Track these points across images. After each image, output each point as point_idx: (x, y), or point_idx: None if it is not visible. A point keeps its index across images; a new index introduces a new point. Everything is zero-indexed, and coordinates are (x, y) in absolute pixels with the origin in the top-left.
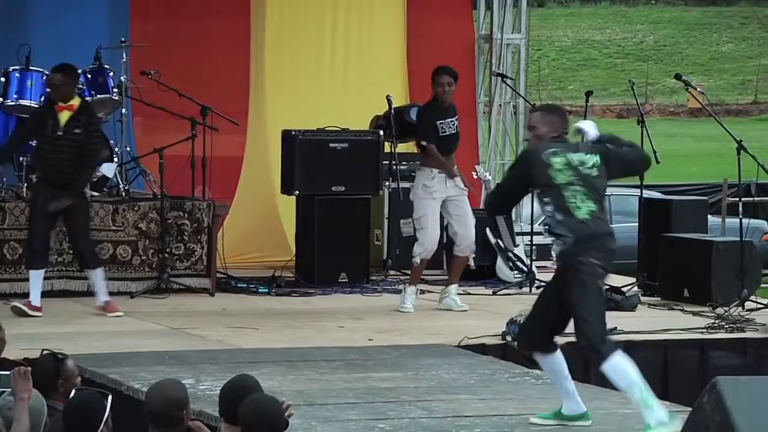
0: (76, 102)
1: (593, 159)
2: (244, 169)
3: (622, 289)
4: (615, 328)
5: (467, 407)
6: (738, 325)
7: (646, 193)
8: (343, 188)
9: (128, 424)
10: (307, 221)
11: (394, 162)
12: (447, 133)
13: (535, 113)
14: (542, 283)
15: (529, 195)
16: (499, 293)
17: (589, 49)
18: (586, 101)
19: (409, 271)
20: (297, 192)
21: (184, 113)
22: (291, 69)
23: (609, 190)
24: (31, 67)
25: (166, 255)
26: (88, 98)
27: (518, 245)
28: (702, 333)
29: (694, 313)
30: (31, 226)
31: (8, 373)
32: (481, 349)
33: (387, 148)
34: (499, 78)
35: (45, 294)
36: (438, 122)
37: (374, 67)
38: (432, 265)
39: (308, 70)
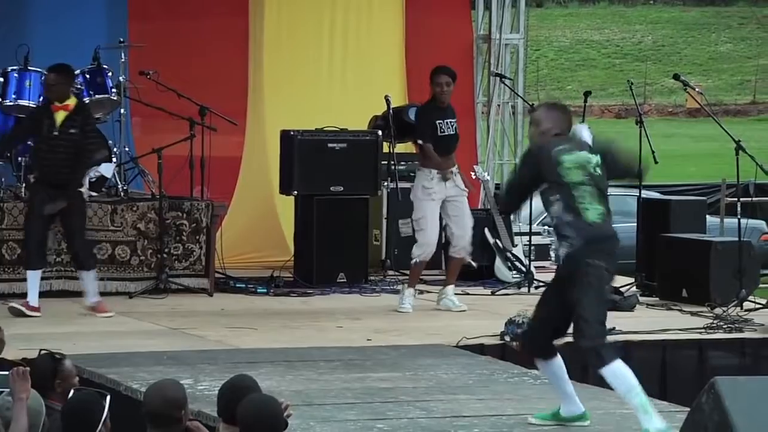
0: (72, 102)
1: (595, 159)
2: (243, 169)
3: (621, 289)
4: (613, 329)
5: (466, 407)
6: (736, 325)
7: (645, 194)
8: (342, 188)
9: (127, 425)
10: (305, 221)
11: (392, 162)
12: (446, 134)
13: (539, 108)
14: (541, 283)
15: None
16: (497, 293)
17: (588, 50)
18: (585, 101)
19: (407, 272)
20: (295, 192)
21: (182, 113)
22: (289, 69)
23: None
24: (29, 68)
25: (165, 255)
26: (86, 98)
27: (517, 245)
28: (700, 333)
29: (692, 314)
30: (27, 227)
31: (7, 373)
32: (480, 349)
33: (385, 148)
34: (498, 78)
35: (43, 294)
36: (437, 121)
37: (373, 67)
38: (430, 266)
39: (307, 70)
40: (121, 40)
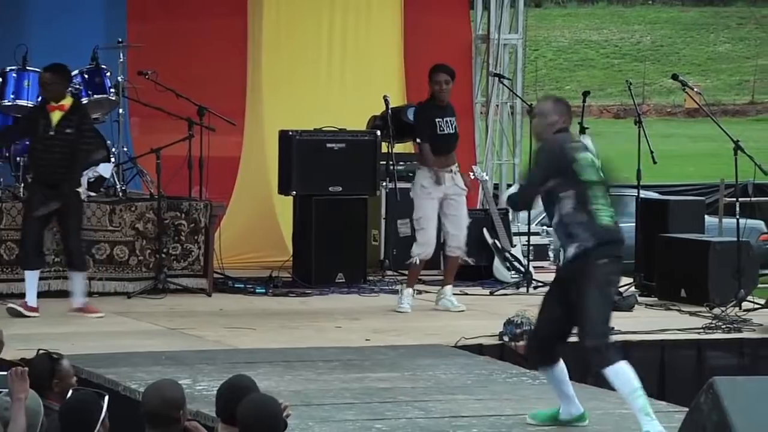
0: (67, 102)
1: (598, 162)
2: (241, 169)
3: (619, 289)
4: (612, 329)
5: (464, 407)
6: (735, 325)
7: (643, 194)
8: (340, 188)
9: (125, 425)
10: (304, 221)
11: (391, 162)
12: (445, 132)
13: (546, 100)
14: (539, 284)
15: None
16: (496, 294)
17: (586, 50)
18: (583, 101)
19: (406, 272)
20: (294, 192)
21: (181, 113)
22: (288, 69)
23: None
24: (28, 68)
25: (163, 255)
26: (85, 98)
27: (515, 245)
28: (699, 333)
29: (691, 314)
30: (24, 227)
31: (5, 373)
32: (478, 349)
33: (384, 148)
34: (496, 78)
35: (42, 294)
36: (436, 120)
37: (371, 68)
38: (429, 266)
39: (305, 70)
40: (120, 40)
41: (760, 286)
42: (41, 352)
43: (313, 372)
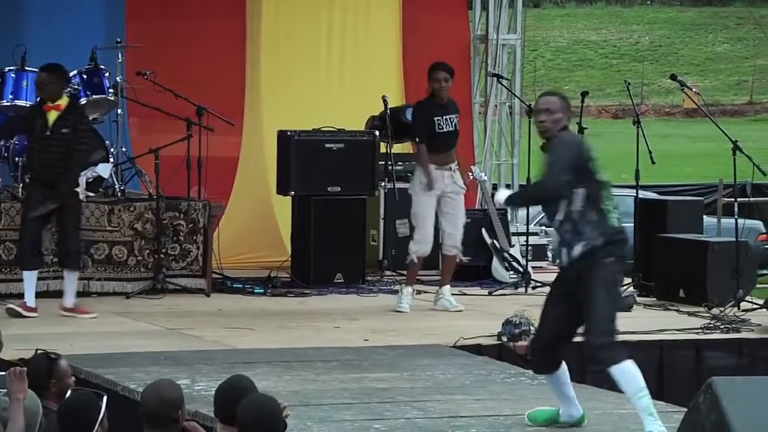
0: (63, 102)
1: None
2: (240, 169)
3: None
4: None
5: (463, 408)
6: (733, 325)
7: (642, 194)
8: (339, 188)
9: (124, 425)
10: (302, 221)
11: (389, 162)
12: (444, 130)
13: (552, 96)
14: (538, 284)
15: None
16: (494, 294)
17: (585, 50)
18: (582, 102)
19: (404, 272)
20: (293, 192)
21: (179, 113)
22: (287, 69)
23: None
24: (26, 68)
25: (162, 255)
26: (83, 99)
27: (514, 246)
28: (697, 333)
29: (689, 314)
30: (22, 227)
31: (4, 373)
32: (477, 349)
33: (383, 148)
34: (495, 78)
35: (40, 294)
36: (435, 118)
37: (370, 68)
38: (428, 266)
39: (304, 70)
40: (119, 40)
41: (758, 286)
42: (39, 352)
43: (311, 372)
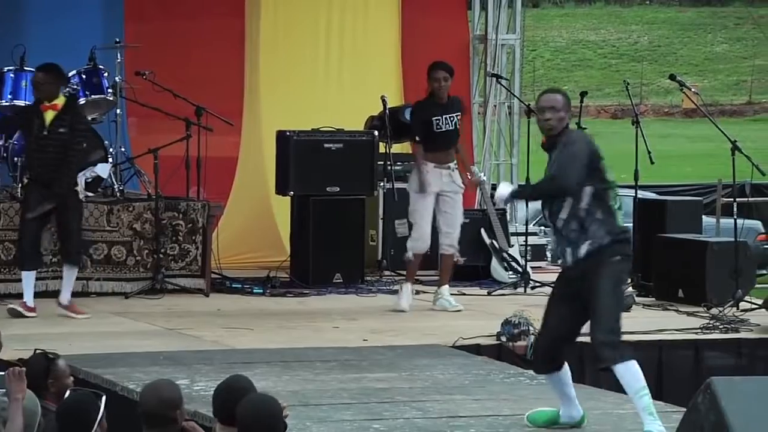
0: (60, 101)
1: None
2: (239, 169)
3: None
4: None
5: (462, 408)
6: (732, 325)
7: (641, 194)
8: (338, 189)
9: (123, 425)
10: (301, 222)
11: (388, 162)
12: (443, 130)
13: (556, 94)
14: (537, 284)
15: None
16: (493, 294)
17: (584, 50)
18: (581, 102)
19: (404, 272)
20: (292, 192)
21: (178, 114)
22: (285, 69)
23: None
24: (25, 68)
25: (161, 255)
26: (82, 99)
27: (513, 245)
28: (696, 333)
29: (688, 314)
30: (21, 227)
31: (2, 373)
32: (476, 349)
33: (382, 148)
34: (494, 78)
35: (39, 294)
36: (434, 118)
37: (369, 68)
38: (426, 266)
39: (303, 70)
40: (117, 40)
41: (757, 286)
42: (38, 352)
43: (310, 372)
